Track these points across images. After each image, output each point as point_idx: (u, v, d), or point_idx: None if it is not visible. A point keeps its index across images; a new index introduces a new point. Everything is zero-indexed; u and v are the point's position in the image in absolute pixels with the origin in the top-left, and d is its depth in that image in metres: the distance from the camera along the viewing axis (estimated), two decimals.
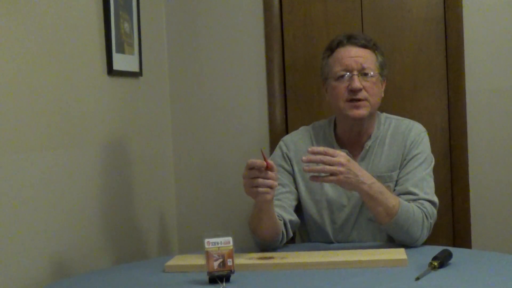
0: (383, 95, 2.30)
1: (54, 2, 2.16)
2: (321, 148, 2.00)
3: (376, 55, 2.26)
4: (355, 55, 2.22)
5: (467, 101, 2.87)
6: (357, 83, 2.19)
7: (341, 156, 1.99)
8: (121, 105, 2.62)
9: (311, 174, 2.01)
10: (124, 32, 2.60)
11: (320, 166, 1.98)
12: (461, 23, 2.86)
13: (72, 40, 2.27)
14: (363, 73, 2.21)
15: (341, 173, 1.98)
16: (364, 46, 2.25)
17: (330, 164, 1.97)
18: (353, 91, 2.19)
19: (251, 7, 3.02)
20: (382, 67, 2.27)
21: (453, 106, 2.89)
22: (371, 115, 2.25)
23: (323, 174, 2.00)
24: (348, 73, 2.21)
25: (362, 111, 2.20)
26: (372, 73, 2.22)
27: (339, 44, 2.26)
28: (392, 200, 2.06)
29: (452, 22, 2.87)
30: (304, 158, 1.98)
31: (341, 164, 1.98)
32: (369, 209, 2.11)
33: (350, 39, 2.25)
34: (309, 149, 1.99)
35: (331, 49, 2.28)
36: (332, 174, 1.98)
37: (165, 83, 3.09)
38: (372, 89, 2.21)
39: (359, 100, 2.20)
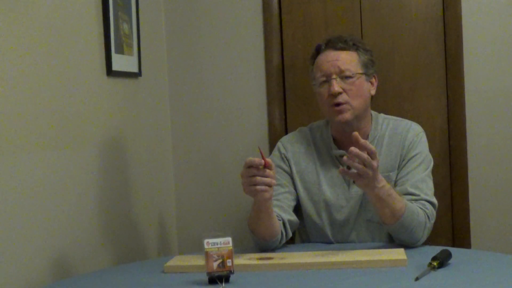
0: (373, 92, 2.28)
1: (53, 3, 2.16)
2: (372, 147, 1.93)
3: (358, 54, 2.24)
4: (333, 59, 2.21)
5: (466, 101, 2.87)
6: (335, 87, 2.18)
7: (376, 160, 1.95)
8: (121, 106, 2.62)
9: (343, 167, 1.95)
10: (123, 32, 2.60)
11: (359, 165, 1.93)
12: (460, 23, 2.86)
13: (72, 41, 2.27)
14: (342, 76, 2.20)
15: (367, 176, 1.96)
16: (343, 49, 2.23)
17: (365, 165, 1.94)
18: (333, 95, 2.19)
19: (250, 7, 3.02)
20: (366, 65, 2.25)
21: (453, 106, 2.89)
22: (358, 117, 2.23)
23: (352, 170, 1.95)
24: (327, 78, 2.20)
25: (345, 116, 2.19)
26: (351, 74, 2.20)
27: (319, 50, 2.26)
28: (399, 203, 2.06)
29: (451, 22, 2.87)
30: (353, 150, 1.91)
31: (372, 169, 1.94)
32: (376, 209, 2.10)
33: (328, 44, 2.25)
34: (363, 143, 1.92)
35: (314, 56, 2.29)
36: (360, 173, 1.95)
37: (164, 84, 3.09)
38: (352, 91, 2.20)
39: (340, 104, 2.19)
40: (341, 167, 1.97)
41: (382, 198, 2.03)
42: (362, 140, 1.93)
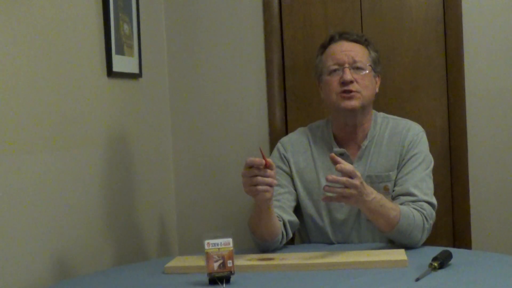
0: (377, 90, 2.31)
1: (54, 4, 2.16)
2: (347, 168, 1.95)
3: (369, 50, 2.29)
4: (347, 49, 2.25)
5: (467, 102, 2.87)
6: (348, 75, 2.20)
7: (357, 178, 1.96)
8: (121, 107, 2.62)
9: (326, 194, 1.98)
10: (123, 33, 2.60)
11: (340, 189, 1.95)
12: (461, 23, 2.86)
13: (72, 42, 2.27)
14: (355, 67, 2.23)
15: (352, 196, 1.97)
16: (356, 41, 2.28)
17: (347, 187, 1.96)
18: (345, 83, 2.21)
19: (251, 8, 3.02)
20: (374, 62, 2.29)
21: (453, 106, 2.89)
22: (364, 109, 2.25)
23: (331, 194, 1.97)
24: (340, 67, 2.22)
25: (354, 102, 2.21)
26: (364, 66, 2.23)
27: (332, 40, 2.30)
28: (392, 211, 2.07)
29: (451, 23, 2.87)
30: (329, 177, 1.94)
31: (356, 188, 1.96)
32: (371, 221, 2.12)
33: (342, 35, 2.29)
34: (338, 167, 1.94)
35: (324, 46, 2.32)
36: (344, 195, 1.97)
37: (165, 85, 3.09)
38: (364, 81, 2.23)
39: (351, 91, 2.21)
40: (322, 195, 1.99)
41: (374, 210, 2.04)
42: (338, 165, 1.95)
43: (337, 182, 1.95)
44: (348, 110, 2.22)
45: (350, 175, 1.95)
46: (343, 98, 2.21)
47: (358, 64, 2.23)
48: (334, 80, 2.23)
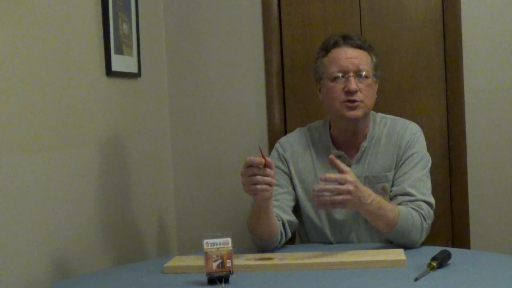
0: (376, 95, 2.30)
1: (53, 4, 2.16)
2: (333, 176, 1.97)
3: (371, 56, 2.26)
4: (352, 56, 2.21)
5: (466, 102, 2.87)
6: (353, 84, 2.18)
7: (350, 183, 1.96)
8: (120, 106, 2.62)
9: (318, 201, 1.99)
10: (122, 33, 2.60)
11: (329, 196, 1.96)
12: (460, 24, 2.86)
13: (71, 42, 2.27)
14: (359, 75, 2.20)
15: (348, 201, 1.97)
16: (360, 47, 2.24)
17: (339, 193, 1.96)
18: (350, 93, 2.18)
19: (250, 8, 3.02)
20: (376, 68, 2.27)
21: (452, 106, 2.89)
22: (365, 117, 2.25)
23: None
24: (344, 74, 2.20)
25: (358, 112, 2.20)
26: (367, 74, 2.21)
27: (335, 44, 2.24)
28: (391, 213, 2.07)
29: (450, 23, 2.87)
30: (315, 187, 1.96)
31: (349, 193, 1.96)
32: (370, 222, 2.12)
33: (346, 40, 2.24)
34: (322, 177, 1.96)
35: (327, 49, 2.26)
36: (336, 201, 1.97)
37: (164, 84, 3.09)
38: (367, 90, 2.21)
39: (355, 101, 2.19)
40: (317, 203, 1.99)
41: (373, 212, 2.05)
42: (321, 176, 1.97)
43: (324, 190, 1.95)
44: (351, 120, 2.21)
45: (338, 182, 1.95)
46: (347, 108, 2.19)
47: (362, 72, 2.19)
48: (338, 88, 2.21)
